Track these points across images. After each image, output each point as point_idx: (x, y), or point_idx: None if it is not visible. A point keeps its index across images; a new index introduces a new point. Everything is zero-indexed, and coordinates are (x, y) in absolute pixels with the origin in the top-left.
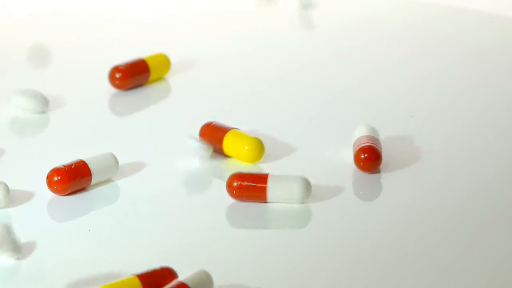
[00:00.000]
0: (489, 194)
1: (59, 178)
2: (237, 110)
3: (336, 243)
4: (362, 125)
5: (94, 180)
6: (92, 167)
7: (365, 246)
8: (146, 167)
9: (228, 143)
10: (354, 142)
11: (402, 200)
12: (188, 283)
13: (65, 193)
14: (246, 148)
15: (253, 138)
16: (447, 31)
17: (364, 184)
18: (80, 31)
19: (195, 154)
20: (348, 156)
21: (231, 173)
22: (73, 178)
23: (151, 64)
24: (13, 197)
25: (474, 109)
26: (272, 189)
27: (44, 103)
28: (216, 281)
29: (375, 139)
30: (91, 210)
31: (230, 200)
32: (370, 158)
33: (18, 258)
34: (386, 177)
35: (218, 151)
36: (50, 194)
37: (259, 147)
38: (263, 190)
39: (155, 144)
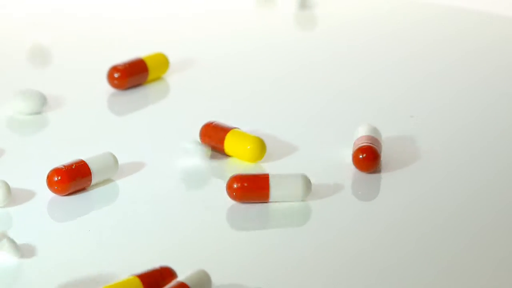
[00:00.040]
0: (489, 194)
1: (60, 178)
2: (237, 110)
3: (336, 243)
4: (364, 124)
5: (94, 180)
6: (92, 167)
7: (365, 246)
8: (145, 167)
9: (229, 142)
10: (354, 141)
11: (402, 200)
12: (188, 283)
13: (66, 193)
14: (248, 147)
15: (255, 138)
16: (447, 31)
17: (364, 184)
18: (80, 31)
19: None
20: (348, 156)
21: (230, 176)
22: (73, 178)
23: (149, 64)
24: (14, 197)
25: (474, 109)
26: (273, 189)
27: (43, 103)
28: (216, 281)
29: (374, 139)
30: (91, 210)
31: (230, 200)
32: (368, 158)
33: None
34: (386, 177)
35: (219, 151)
36: (50, 194)
37: (261, 146)
38: (265, 191)
39: (155, 143)
